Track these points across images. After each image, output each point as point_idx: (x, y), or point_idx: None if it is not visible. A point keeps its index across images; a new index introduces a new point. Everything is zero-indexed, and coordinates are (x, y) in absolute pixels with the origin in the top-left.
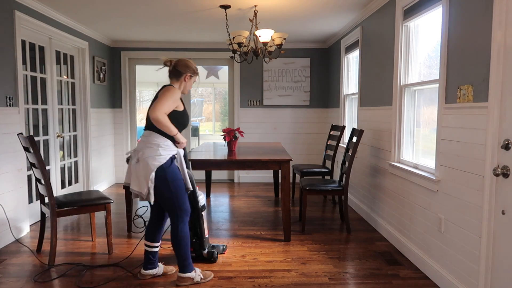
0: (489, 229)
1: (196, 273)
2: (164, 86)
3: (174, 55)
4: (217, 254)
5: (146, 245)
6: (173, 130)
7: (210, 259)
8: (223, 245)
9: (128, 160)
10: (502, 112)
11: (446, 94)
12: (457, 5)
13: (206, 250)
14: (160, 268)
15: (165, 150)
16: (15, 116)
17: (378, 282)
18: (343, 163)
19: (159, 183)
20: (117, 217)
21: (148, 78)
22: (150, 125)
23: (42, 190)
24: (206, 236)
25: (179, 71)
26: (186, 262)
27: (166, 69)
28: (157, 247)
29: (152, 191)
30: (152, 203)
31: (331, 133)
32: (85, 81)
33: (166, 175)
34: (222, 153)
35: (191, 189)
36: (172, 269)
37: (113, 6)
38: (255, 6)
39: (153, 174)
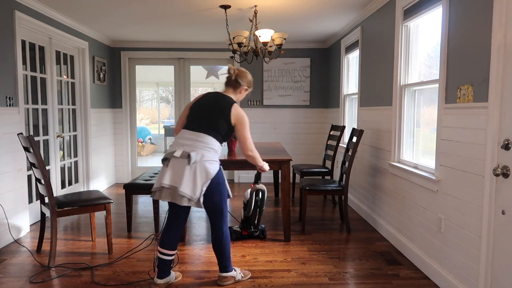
0: (489, 229)
1: (237, 272)
2: (229, 102)
3: (174, 55)
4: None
5: (163, 254)
6: (261, 160)
7: (261, 236)
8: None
9: (164, 161)
10: (502, 112)
11: (446, 94)
12: (457, 5)
13: (258, 231)
14: (173, 275)
15: (218, 156)
16: (15, 116)
17: (378, 282)
18: (343, 163)
19: (212, 187)
20: (117, 217)
21: (148, 78)
22: (208, 129)
23: (42, 190)
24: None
25: (238, 82)
26: (228, 262)
27: (167, 68)
28: (173, 255)
29: (202, 196)
30: (201, 207)
31: (331, 133)
32: (85, 81)
33: (219, 179)
34: (222, 153)
35: (231, 196)
36: (179, 274)
37: (113, 6)
38: (255, 6)
39: (210, 180)
